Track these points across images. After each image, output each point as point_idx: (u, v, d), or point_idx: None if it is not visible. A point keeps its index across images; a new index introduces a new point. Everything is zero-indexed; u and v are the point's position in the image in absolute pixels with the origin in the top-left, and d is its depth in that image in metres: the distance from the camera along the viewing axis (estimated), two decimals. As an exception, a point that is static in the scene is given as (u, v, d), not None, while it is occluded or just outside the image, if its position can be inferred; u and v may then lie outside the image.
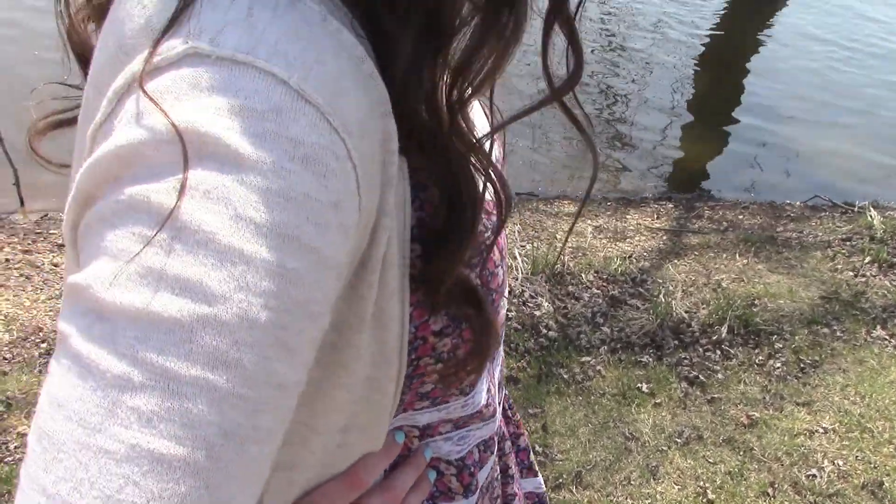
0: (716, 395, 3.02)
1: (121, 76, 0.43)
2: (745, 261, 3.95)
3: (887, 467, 2.75)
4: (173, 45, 0.42)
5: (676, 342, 3.26)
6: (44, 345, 2.90)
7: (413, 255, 0.54)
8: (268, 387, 0.39)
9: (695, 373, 3.10)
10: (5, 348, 2.87)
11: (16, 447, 2.46)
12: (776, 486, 2.65)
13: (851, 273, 3.89)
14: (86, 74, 0.58)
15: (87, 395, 0.36)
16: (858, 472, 2.73)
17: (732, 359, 3.22)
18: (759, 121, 5.94)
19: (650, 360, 3.15)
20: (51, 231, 3.67)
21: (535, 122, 4.94)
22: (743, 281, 3.76)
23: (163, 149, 0.39)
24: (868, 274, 3.88)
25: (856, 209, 4.61)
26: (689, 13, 7.80)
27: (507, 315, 3.21)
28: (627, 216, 4.40)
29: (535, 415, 2.85)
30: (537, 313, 3.27)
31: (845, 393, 3.09)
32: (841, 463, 2.75)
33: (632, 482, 2.62)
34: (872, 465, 2.76)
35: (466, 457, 0.74)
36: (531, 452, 0.94)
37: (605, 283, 3.58)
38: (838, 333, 3.42)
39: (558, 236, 4.02)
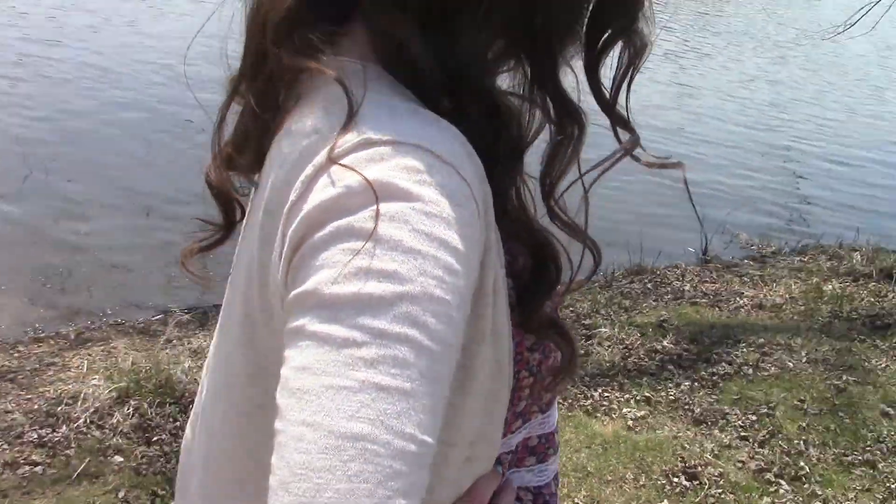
0: None
1: (309, 167, 0.61)
2: None
3: None
4: (349, 139, 0.61)
5: None
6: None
7: (508, 287, 0.70)
8: (442, 343, 0.56)
9: None
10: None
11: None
12: None
13: None
14: (220, 207, 0.79)
15: (325, 356, 0.53)
16: None
17: None
18: None
19: None
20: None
21: None
22: None
23: (357, 196, 0.57)
24: None
25: None
26: None
27: None
28: None
29: None
30: None
31: None
32: None
33: None
34: None
35: (544, 487, 0.89)
36: None
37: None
38: None
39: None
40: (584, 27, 0.71)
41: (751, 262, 5.77)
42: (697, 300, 4.77)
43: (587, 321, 4.13)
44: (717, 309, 4.65)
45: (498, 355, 0.70)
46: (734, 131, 9.35)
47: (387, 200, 0.57)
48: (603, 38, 0.71)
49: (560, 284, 0.75)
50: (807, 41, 10.03)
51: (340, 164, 0.59)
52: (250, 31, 0.71)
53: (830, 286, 5.00)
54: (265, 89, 0.69)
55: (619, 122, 0.73)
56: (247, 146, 0.74)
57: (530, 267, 0.73)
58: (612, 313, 4.28)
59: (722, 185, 7.51)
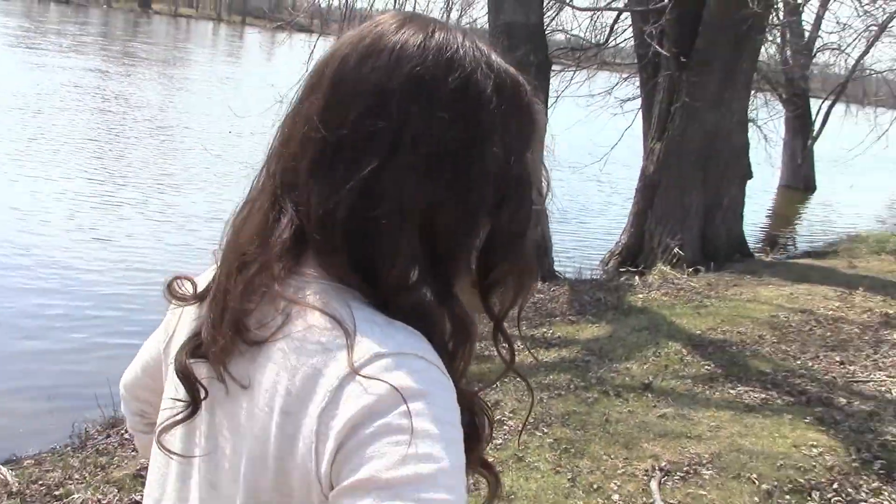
0: None
1: (333, 379, 0.79)
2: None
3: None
4: (363, 354, 0.80)
5: None
6: None
7: None
8: (463, 500, 0.76)
9: None
10: None
11: None
12: None
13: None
14: (187, 389, 0.90)
15: None
16: None
17: None
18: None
19: None
20: None
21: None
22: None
23: (387, 399, 0.77)
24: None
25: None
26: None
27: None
28: None
29: None
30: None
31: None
32: None
33: None
34: None
35: None
36: None
37: None
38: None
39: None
40: (475, 262, 0.90)
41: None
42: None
43: (58, 491, 3.88)
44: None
45: None
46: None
47: (411, 401, 0.77)
48: (492, 274, 0.91)
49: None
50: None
51: (363, 376, 0.78)
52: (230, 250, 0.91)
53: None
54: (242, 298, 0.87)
55: (503, 335, 0.95)
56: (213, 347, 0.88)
57: (467, 422, 0.88)
58: (87, 475, 4.08)
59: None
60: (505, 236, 0.90)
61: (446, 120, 0.85)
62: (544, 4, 9.95)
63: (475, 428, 0.92)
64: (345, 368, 0.79)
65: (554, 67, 10.89)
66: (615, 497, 3.92)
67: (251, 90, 21.61)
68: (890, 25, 16.95)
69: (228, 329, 0.86)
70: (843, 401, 5.13)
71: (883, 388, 5.48)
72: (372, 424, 0.76)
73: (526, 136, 0.92)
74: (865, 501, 3.85)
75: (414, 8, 10.75)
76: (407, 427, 0.75)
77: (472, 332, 0.90)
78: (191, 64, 33.06)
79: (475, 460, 0.93)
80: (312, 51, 9.62)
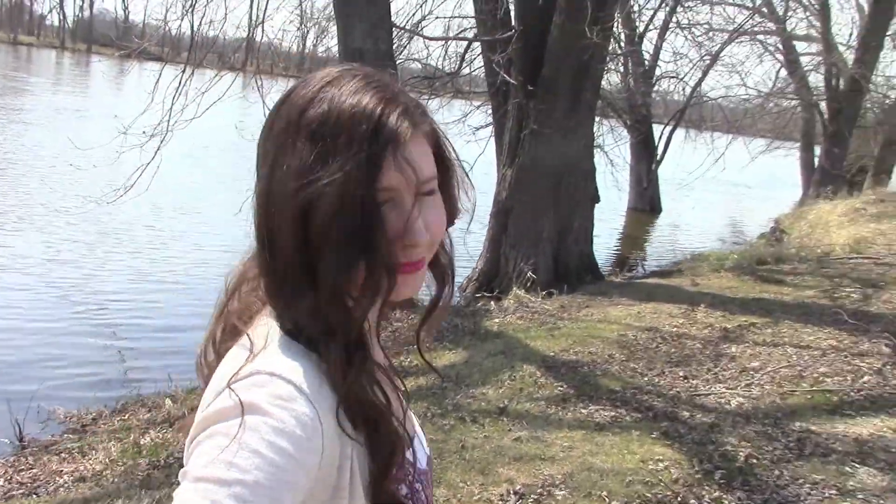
0: None
1: (221, 381, 0.92)
2: None
3: None
4: (244, 372, 0.91)
5: None
6: None
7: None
8: None
9: None
10: None
11: None
12: None
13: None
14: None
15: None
16: None
17: None
18: None
19: None
20: None
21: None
22: None
23: (232, 411, 0.87)
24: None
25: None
26: None
27: None
28: None
29: None
30: None
31: None
32: None
33: None
34: None
35: None
36: None
37: None
38: None
39: None
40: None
41: (71, 436, 5.63)
42: (14, 493, 4.47)
43: None
44: (34, 496, 4.40)
45: None
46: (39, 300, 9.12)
47: (250, 415, 0.86)
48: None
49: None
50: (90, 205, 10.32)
51: (231, 388, 0.89)
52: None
53: (148, 438, 5.15)
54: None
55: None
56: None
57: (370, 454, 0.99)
58: None
59: (26, 360, 7.26)
60: None
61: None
62: (394, 34, 10.03)
63: (381, 453, 1.00)
64: (228, 379, 0.92)
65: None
66: (471, 525, 3.92)
67: (96, 120, 20.76)
68: (722, 55, 18.09)
69: None
70: (686, 414, 5.33)
71: (723, 401, 5.74)
72: (211, 426, 0.87)
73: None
74: (707, 511, 4.01)
75: (263, 35, 10.61)
76: (233, 435, 0.85)
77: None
78: (28, 94, 31.43)
79: (380, 493, 0.99)
80: (158, 80, 9.30)
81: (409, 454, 1.09)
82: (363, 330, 1.01)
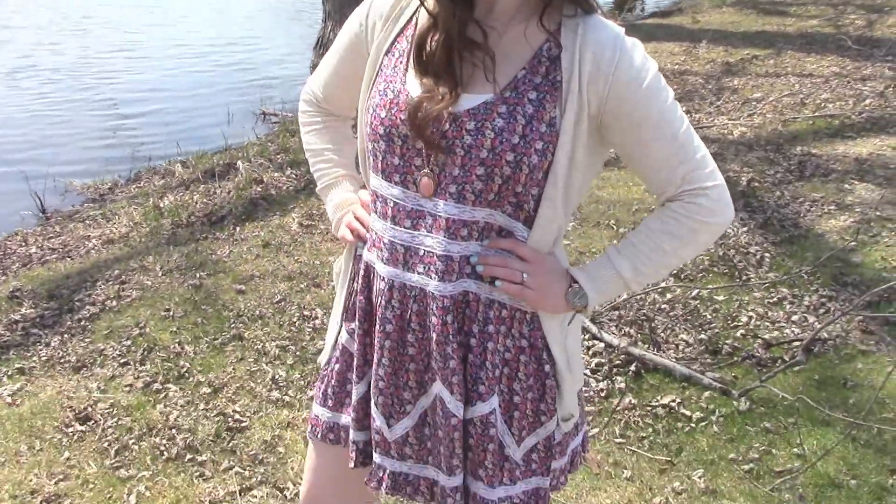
0: None
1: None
2: None
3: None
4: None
5: None
6: None
7: None
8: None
9: None
10: None
11: None
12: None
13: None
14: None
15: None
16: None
17: None
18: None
19: None
20: None
21: None
22: None
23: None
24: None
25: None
26: None
27: None
28: None
29: None
30: None
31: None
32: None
33: None
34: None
35: None
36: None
37: None
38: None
39: None
40: None
41: (92, 205, 5.79)
42: (48, 258, 4.67)
43: None
44: (68, 259, 4.61)
45: None
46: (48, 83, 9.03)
47: None
48: None
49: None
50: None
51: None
52: None
53: (166, 201, 5.30)
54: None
55: None
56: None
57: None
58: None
59: (36, 138, 7.31)
60: None
61: None
62: None
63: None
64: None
65: None
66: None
67: None
68: None
69: None
70: (690, 146, 5.42)
71: (725, 131, 5.83)
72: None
73: None
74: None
75: None
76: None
77: None
78: None
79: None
80: None
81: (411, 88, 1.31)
82: None
